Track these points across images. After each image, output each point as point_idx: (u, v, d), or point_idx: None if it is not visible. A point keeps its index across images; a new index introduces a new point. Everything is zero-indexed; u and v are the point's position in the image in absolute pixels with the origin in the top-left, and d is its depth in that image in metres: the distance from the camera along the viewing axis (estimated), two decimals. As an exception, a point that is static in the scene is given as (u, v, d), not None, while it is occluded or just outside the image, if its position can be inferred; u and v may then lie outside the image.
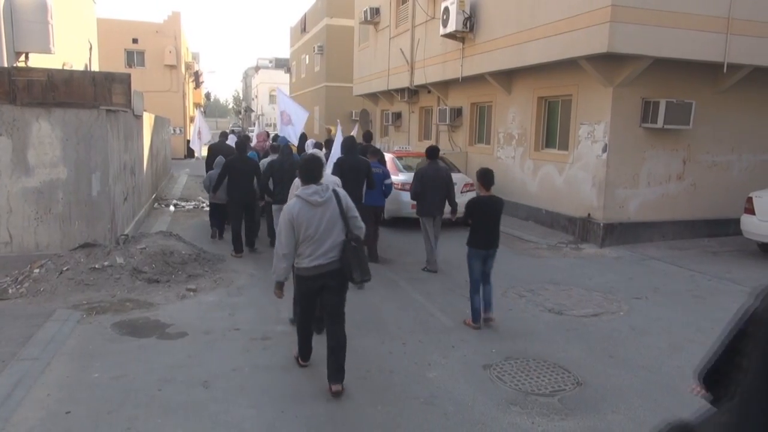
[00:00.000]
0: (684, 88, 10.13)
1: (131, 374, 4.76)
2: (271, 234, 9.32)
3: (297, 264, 4.59)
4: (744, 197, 9.59)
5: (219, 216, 10.30)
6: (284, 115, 11.45)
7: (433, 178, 8.10)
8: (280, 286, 4.69)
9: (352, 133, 9.41)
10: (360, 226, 4.70)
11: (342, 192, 4.73)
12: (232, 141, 12.61)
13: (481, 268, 6.07)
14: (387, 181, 8.47)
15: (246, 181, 9.03)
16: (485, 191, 6.12)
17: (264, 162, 9.28)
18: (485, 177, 6.13)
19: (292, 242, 4.46)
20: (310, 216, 4.43)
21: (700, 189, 10.74)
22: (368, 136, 9.90)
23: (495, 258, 6.21)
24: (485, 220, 6.00)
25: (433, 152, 8.42)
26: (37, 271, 6.98)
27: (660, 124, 9.77)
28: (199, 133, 15.63)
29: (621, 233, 10.12)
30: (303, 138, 12.10)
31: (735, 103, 10.60)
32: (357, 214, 4.72)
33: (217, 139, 13.07)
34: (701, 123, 10.23)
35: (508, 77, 12.75)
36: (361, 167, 7.80)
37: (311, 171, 4.57)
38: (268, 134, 13.42)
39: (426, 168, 8.29)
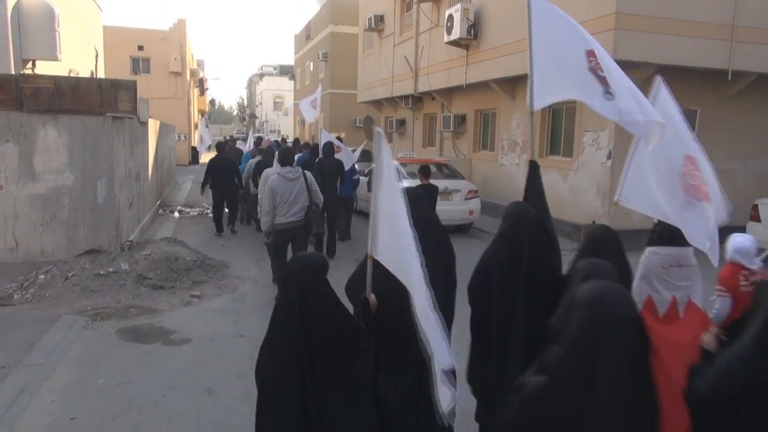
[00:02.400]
0: (689, 95, 10.11)
1: (136, 380, 4.76)
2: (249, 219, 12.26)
3: (276, 221, 6.53)
4: (750, 204, 9.56)
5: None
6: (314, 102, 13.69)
7: None
8: (267, 234, 6.71)
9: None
10: (320, 197, 6.97)
11: (308, 173, 6.92)
12: (241, 146, 15.15)
13: None
14: (354, 177, 10.85)
15: (224, 177, 10.93)
16: (425, 180, 8.69)
17: (252, 162, 11.18)
18: (425, 170, 8.84)
19: (273, 204, 6.49)
20: (284, 187, 6.53)
21: (705, 196, 10.71)
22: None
23: None
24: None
25: None
26: (42, 277, 7.00)
27: (664, 131, 9.77)
28: (201, 139, 16.75)
29: (626, 240, 10.05)
30: (296, 143, 15.39)
31: (740, 110, 10.59)
32: (317, 188, 6.96)
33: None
34: (706, 130, 10.20)
35: (512, 84, 12.78)
36: (335, 166, 9.72)
37: (286, 157, 6.80)
38: (260, 138, 15.96)
39: None
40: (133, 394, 4.51)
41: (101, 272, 7.16)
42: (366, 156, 12.41)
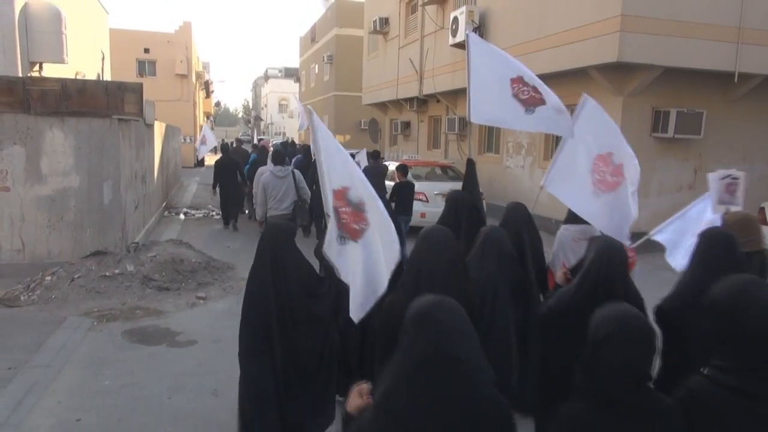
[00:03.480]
0: (695, 97, 10.09)
1: (141, 382, 4.77)
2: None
3: (269, 213, 7.48)
4: (756, 207, 9.51)
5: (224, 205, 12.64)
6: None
7: (373, 172, 10.64)
8: (260, 223, 7.74)
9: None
10: (307, 193, 8.00)
11: (297, 172, 7.93)
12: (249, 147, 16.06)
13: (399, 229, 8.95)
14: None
15: (228, 175, 11.91)
16: (403, 177, 9.53)
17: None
18: (402, 169, 9.75)
19: (264, 198, 7.59)
20: (275, 183, 7.60)
21: (712, 199, 10.65)
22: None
23: (409, 223, 9.33)
24: (403, 197, 9.25)
25: (375, 154, 11.79)
26: (48, 278, 7.03)
27: (670, 133, 9.73)
28: (204, 139, 17.37)
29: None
30: (293, 144, 17.04)
31: (746, 112, 10.55)
32: (305, 185, 7.94)
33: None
34: (712, 132, 10.17)
35: (517, 87, 12.75)
36: None
37: (279, 158, 7.95)
38: (268, 141, 17.40)
39: (370, 165, 11.14)
40: (138, 396, 4.53)
41: (107, 274, 7.18)
42: (374, 155, 12.60)
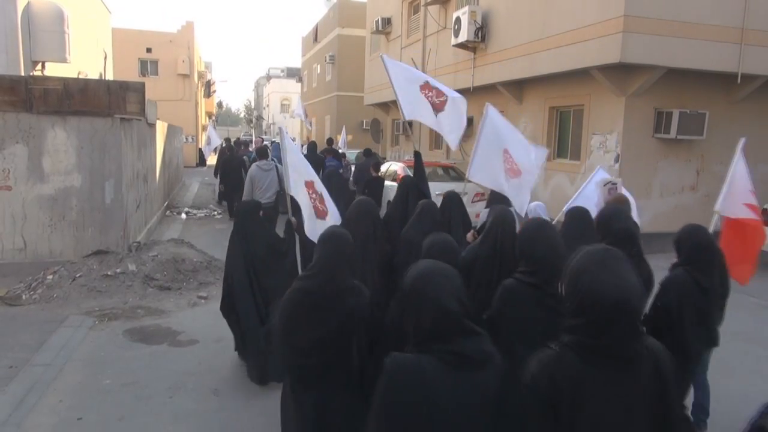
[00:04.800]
0: (697, 98, 10.06)
1: (142, 381, 4.77)
2: None
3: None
4: (759, 209, 9.48)
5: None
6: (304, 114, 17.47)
7: (365, 168, 11.79)
8: None
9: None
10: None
11: (279, 166, 8.11)
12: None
13: None
14: (340, 170, 12.26)
15: (233, 172, 13.00)
16: (375, 174, 10.48)
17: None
18: (377, 165, 10.80)
19: (251, 189, 8.45)
20: (261, 176, 8.59)
21: (714, 200, 10.59)
22: (330, 141, 15.54)
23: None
24: (373, 191, 9.85)
25: (368, 152, 13.13)
26: (50, 277, 7.03)
27: (673, 134, 9.70)
28: (209, 140, 17.50)
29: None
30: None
31: (749, 113, 10.51)
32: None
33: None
34: (715, 133, 10.13)
35: (519, 87, 12.74)
36: (317, 162, 11.33)
37: (263, 153, 9.11)
38: (262, 140, 18.21)
39: (363, 162, 12.30)
40: (139, 395, 4.53)
41: (108, 273, 7.19)
42: (366, 153, 13.35)
